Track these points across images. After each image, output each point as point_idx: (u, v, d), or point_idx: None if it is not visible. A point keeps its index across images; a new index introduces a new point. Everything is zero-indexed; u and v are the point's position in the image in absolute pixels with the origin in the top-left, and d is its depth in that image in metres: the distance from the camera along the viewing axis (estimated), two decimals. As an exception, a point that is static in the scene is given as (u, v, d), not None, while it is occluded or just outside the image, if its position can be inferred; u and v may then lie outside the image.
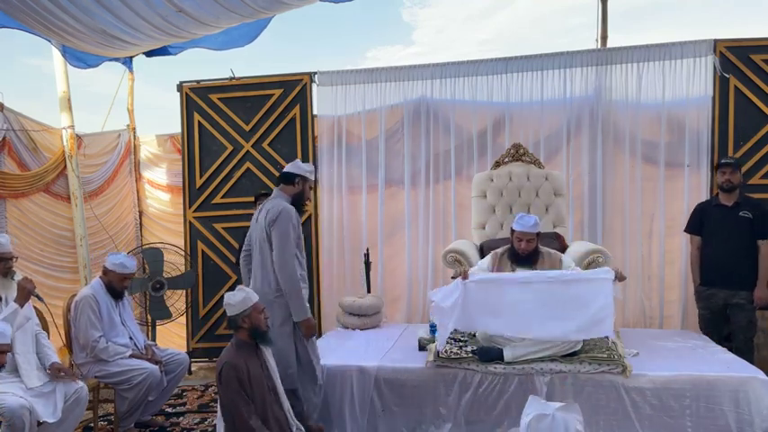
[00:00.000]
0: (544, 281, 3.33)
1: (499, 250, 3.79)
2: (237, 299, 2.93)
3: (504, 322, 3.36)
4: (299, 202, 3.45)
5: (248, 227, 3.60)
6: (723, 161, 4.21)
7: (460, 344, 3.63)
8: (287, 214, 3.28)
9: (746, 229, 4.03)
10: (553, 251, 3.76)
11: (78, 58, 5.21)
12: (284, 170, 3.53)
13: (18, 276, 3.41)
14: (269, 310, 3.16)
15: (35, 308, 3.57)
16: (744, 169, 4.71)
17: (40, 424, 3.08)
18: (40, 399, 3.14)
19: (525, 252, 3.60)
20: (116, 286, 4.00)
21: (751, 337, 4.04)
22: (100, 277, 4.03)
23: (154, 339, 5.11)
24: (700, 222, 4.27)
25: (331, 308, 5.35)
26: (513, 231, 3.68)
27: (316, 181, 5.53)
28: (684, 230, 4.43)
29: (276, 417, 2.92)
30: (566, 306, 3.27)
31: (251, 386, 2.85)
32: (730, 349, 3.84)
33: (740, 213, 4.05)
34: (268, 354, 3.06)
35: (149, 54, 5.63)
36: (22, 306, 3.22)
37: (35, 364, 3.31)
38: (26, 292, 3.27)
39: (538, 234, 3.64)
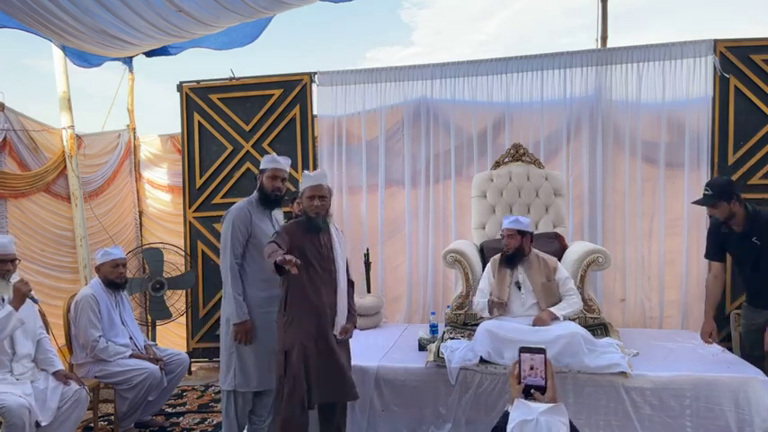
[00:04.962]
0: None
1: (497, 256, 3.76)
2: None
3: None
4: (263, 195, 3.28)
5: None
6: None
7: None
8: (229, 213, 3.20)
9: None
10: (549, 257, 3.67)
11: (81, 57, 5.22)
12: None
13: (14, 278, 3.40)
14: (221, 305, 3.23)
15: (39, 311, 3.56)
16: (744, 169, 4.73)
17: (38, 425, 3.08)
18: (36, 401, 3.13)
19: (508, 249, 3.60)
20: (112, 277, 4.00)
21: None
22: (98, 276, 4.04)
23: (154, 339, 5.11)
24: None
25: (331, 308, 5.34)
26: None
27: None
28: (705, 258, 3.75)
29: (319, 296, 2.93)
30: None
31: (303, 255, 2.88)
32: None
33: None
34: (335, 236, 3.07)
35: (149, 54, 5.63)
36: (17, 309, 3.18)
37: (30, 368, 3.32)
38: (21, 295, 3.22)
39: (522, 233, 3.57)
